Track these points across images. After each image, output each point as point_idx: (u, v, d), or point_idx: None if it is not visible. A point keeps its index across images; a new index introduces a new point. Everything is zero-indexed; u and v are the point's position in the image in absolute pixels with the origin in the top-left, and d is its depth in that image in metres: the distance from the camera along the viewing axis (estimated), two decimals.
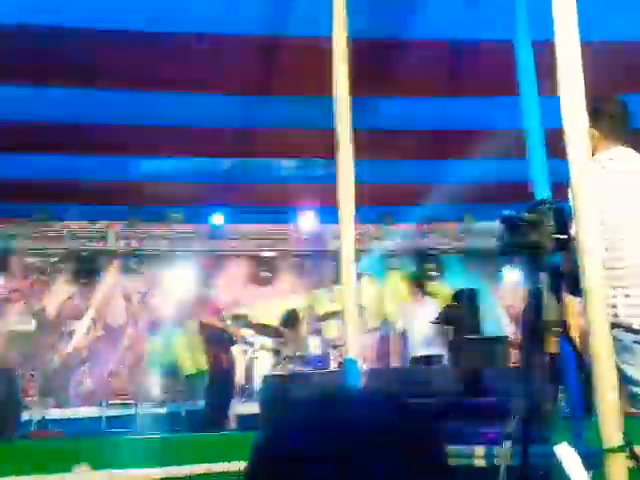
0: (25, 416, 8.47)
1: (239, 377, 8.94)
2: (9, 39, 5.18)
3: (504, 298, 10.51)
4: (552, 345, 2.75)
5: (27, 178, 7.62)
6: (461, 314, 8.63)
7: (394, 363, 9.61)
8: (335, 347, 8.53)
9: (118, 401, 9.18)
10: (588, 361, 2.05)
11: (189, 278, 9.78)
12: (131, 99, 6.11)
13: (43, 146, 6.92)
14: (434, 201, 8.62)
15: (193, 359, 9.69)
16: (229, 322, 8.41)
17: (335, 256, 9.56)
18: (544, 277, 2.50)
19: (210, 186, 8.45)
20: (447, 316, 8.75)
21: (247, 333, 9.02)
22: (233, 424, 8.20)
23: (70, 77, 5.73)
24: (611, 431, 1.88)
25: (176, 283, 10.08)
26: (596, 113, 2.89)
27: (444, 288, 10.45)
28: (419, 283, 9.06)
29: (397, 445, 0.71)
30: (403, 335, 8.93)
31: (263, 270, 10.24)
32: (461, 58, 5.73)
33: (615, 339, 2.18)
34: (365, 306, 9.03)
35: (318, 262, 10.31)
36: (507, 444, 2.42)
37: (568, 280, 2.58)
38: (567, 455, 2.36)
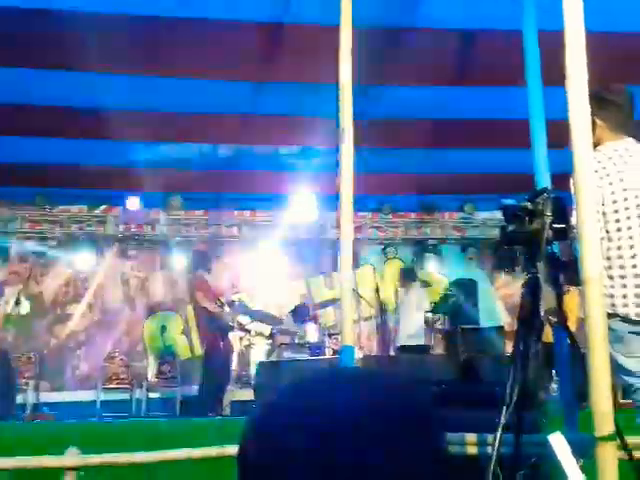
0: (20, 399, 8.50)
1: (235, 363, 8.96)
2: None
3: (502, 288, 10.53)
4: (547, 334, 2.77)
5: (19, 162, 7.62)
6: (457, 304, 8.66)
7: (389, 351, 9.64)
8: (331, 335, 8.54)
9: (114, 385, 9.20)
10: (583, 351, 2.05)
11: (186, 263, 9.78)
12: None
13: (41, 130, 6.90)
14: (434, 190, 8.62)
15: (189, 344, 9.72)
16: (226, 308, 8.41)
17: (333, 244, 9.59)
18: (542, 266, 2.51)
19: (208, 172, 8.45)
20: (443, 306, 8.78)
21: (244, 320, 9.03)
22: (228, 409, 8.22)
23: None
24: (603, 420, 1.89)
25: (173, 268, 10.09)
26: (601, 101, 2.78)
27: (440, 277, 10.47)
28: (409, 272, 9.05)
29: (395, 424, 0.70)
30: (397, 323, 8.96)
31: (259, 256, 10.23)
32: (464, 47, 5.71)
33: (609, 329, 2.19)
34: (362, 294, 9.02)
35: (316, 249, 10.31)
36: (499, 432, 2.43)
37: (566, 269, 2.58)
38: (560, 445, 2.38)
